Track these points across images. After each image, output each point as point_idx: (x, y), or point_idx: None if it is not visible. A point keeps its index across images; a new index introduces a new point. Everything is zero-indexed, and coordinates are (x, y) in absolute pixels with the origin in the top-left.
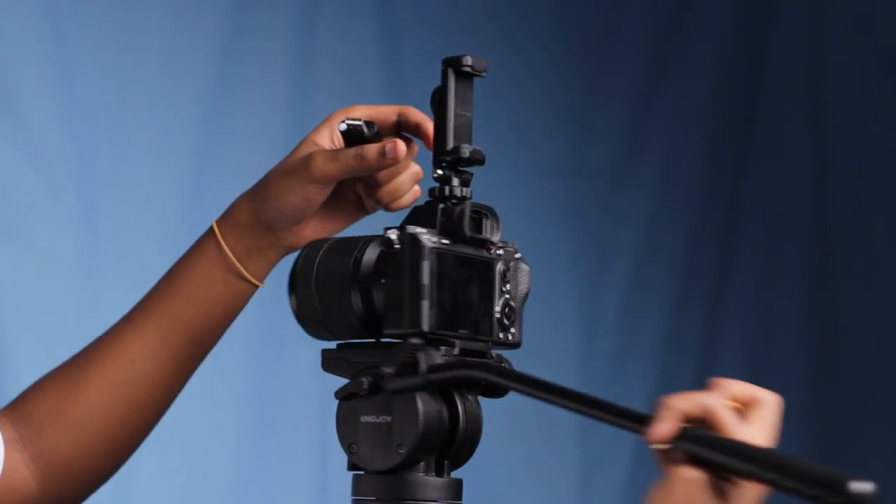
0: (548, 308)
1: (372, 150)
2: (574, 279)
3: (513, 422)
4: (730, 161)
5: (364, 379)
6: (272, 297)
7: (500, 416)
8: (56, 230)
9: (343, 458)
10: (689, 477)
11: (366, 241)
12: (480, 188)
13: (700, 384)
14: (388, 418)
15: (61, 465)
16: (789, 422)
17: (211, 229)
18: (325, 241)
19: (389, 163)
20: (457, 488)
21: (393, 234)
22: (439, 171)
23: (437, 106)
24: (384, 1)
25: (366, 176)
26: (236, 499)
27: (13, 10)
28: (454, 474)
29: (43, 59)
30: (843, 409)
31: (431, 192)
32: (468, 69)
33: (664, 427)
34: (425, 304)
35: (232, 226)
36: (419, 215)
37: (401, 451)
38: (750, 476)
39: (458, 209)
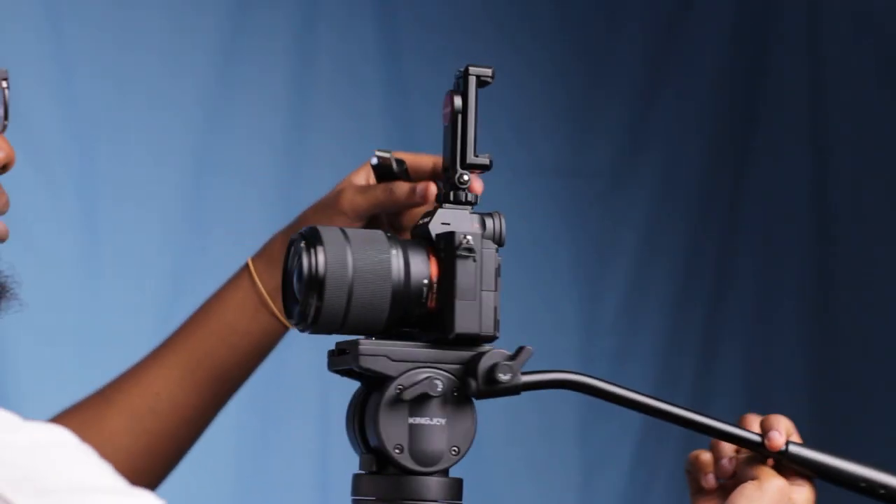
0: (548, 308)
1: (402, 186)
2: (574, 279)
3: (513, 422)
4: (730, 161)
5: (438, 381)
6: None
7: (500, 416)
8: (56, 230)
9: (344, 459)
10: (780, 482)
11: (396, 238)
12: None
13: (700, 384)
14: (443, 421)
15: None
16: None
17: (245, 264)
18: (338, 235)
19: (418, 201)
20: (457, 488)
21: (471, 240)
22: (466, 177)
23: (460, 114)
24: (384, 1)
25: (393, 213)
26: (236, 499)
27: (13, 10)
28: (454, 474)
29: (43, 59)
30: (842, 410)
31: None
32: (488, 80)
33: (779, 438)
34: (498, 311)
35: (266, 260)
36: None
37: (454, 454)
38: (844, 483)
39: (499, 218)
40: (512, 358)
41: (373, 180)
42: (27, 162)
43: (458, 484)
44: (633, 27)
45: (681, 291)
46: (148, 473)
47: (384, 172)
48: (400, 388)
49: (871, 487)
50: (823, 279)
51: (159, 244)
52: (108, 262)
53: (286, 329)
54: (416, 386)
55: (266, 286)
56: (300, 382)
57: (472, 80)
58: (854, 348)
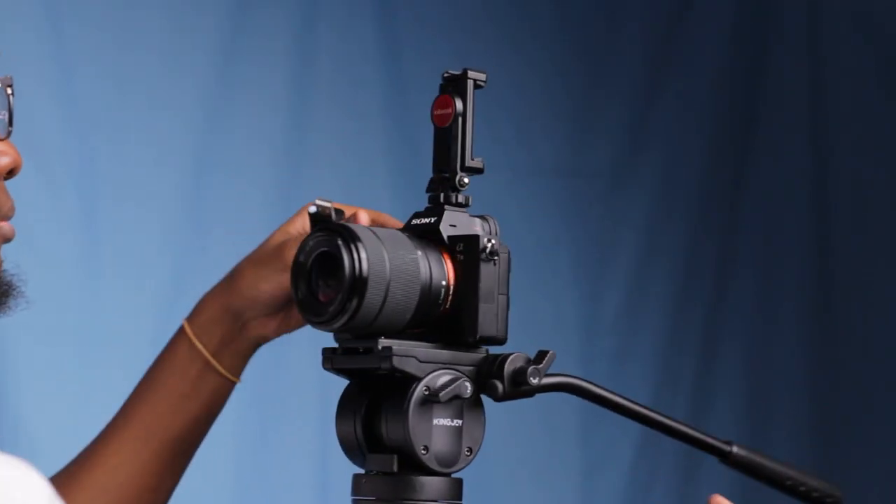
0: (548, 308)
1: None
2: (574, 279)
3: (513, 422)
4: (730, 161)
5: (468, 384)
6: None
7: (500, 416)
8: (56, 230)
9: (343, 459)
10: None
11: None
12: (481, 188)
13: (700, 384)
14: (460, 422)
15: None
16: (790, 421)
17: (181, 328)
18: (370, 234)
19: None
20: (457, 488)
21: (495, 243)
22: (466, 180)
23: (460, 117)
24: (384, 1)
25: None
26: (236, 499)
27: (13, 10)
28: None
29: (43, 59)
30: (842, 410)
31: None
32: (482, 84)
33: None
34: (508, 315)
35: (202, 322)
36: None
37: (468, 455)
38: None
39: (493, 221)
40: (538, 361)
41: (308, 229)
42: (27, 162)
43: (458, 484)
44: (634, 27)
45: (681, 291)
46: None
47: (321, 221)
48: (427, 390)
49: (794, 486)
50: (823, 279)
51: (159, 244)
52: (108, 262)
53: (235, 384)
54: (450, 388)
55: (208, 347)
56: (300, 382)
57: (471, 84)
58: (854, 348)
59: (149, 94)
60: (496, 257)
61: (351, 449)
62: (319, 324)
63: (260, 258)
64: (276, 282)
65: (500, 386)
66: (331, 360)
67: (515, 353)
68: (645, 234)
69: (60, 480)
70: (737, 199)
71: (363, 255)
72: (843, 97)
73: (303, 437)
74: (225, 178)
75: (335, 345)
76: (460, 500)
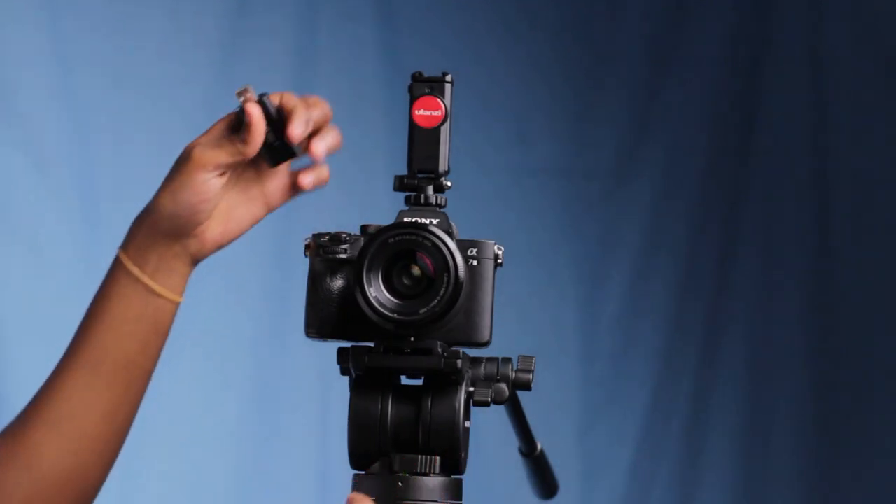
0: (548, 308)
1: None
2: (574, 279)
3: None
4: (730, 161)
5: (504, 387)
6: (274, 295)
7: (500, 416)
8: (56, 230)
9: (343, 459)
10: None
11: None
12: (481, 188)
13: (700, 383)
14: (468, 424)
15: None
16: (791, 421)
17: (116, 258)
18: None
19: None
20: (457, 488)
21: (500, 250)
22: (449, 183)
23: (448, 119)
24: (384, 1)
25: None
26: (236, 499)
27: (13, 10)
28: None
29: (43, 58)
30: (843, 405)
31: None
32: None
33: None
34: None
35: (134, 248)
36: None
37: (465, 456)
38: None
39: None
40: (529, 365)
41: (215, 131)
42: (27, 161)
43: (458, 484)
44: (634, 27)
45: (681, 291)
46: (81, 478)
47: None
48: (468, 393)
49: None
50: (824, 278)
51: None
52: (108, 262)
53: (178, 303)
54: (491, 391)
55: (145, 271)
56: (300, 382)
57: (449, 87)
58: (855, 347)
59: (149, 93)
60: (501, 265)
61: (369, 451)
62: (399, 321)
63: (170, 175)
64: (191, 189)
65: (506, 388)
66: (367, 359)
67: (504, 356)
68: (645, 234)
69: (20, 417)
70: (737, 200)
71: (459, 257)
72: (844, 97)
73: (303, 437)
74: None
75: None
76: (460, 500)
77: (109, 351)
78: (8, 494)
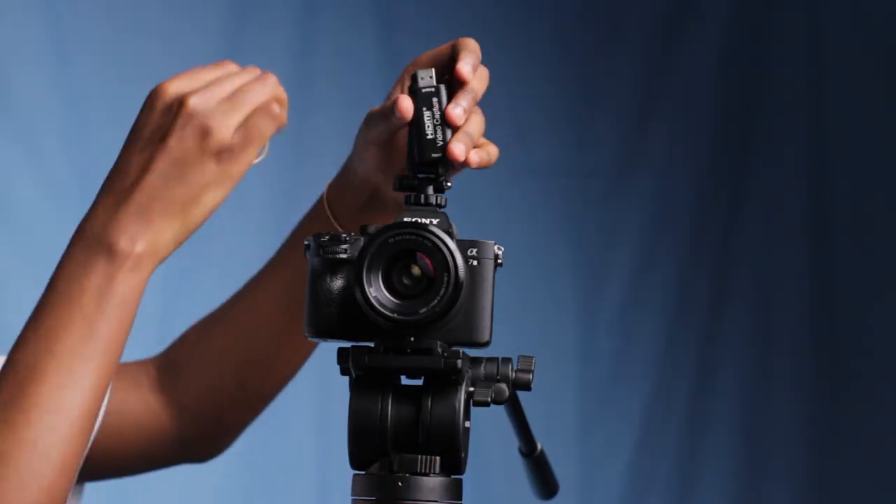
0: (548, 308)
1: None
2: (574, 279)
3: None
4: (729, 162)
5: (504, 387)
6: None
7: (499, 416)
8: (56, 230)
9: (344, 459)
10: None
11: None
12: (481, 188)
13: (700, 384)
14: (468, 423)
15: (192, 407)
16: (791, 421)
17: (320, 198)
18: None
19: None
20: (457, 488)
21: (500, 250)
22: (449, 184)
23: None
24: (384, 1)
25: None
26: (236, 499)
27: (12, 5)
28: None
29: (43, 57)
30: (843, 410)
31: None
32: None
33: None
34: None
35: (336, 189)
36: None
37: (464, 457)
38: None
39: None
40: (529, 365)
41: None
42: (27, 161)
43: (458, 484)
44: (633, 28)
45: (681, 292)
46: (252, 389)
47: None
48: (468, 393)
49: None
50: (823, 282)
51: None
52: None
53: None
54: (491, 391)
55: (341, 214)
56: (300, 382)
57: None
58: (856, 347)
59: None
60: (500, 263)
61: (368, 451)
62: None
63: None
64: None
65: (506, 389)
66: (364, 358)
67: (504, 356)
68: (645, 235)
69: (207, 319)
70: (736, 199)
71: (459, 257)
72: (844, 97)
73: (303, 437)
74: None
75: (346, 345)
76: (460, 500)
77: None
78: (186, 388)
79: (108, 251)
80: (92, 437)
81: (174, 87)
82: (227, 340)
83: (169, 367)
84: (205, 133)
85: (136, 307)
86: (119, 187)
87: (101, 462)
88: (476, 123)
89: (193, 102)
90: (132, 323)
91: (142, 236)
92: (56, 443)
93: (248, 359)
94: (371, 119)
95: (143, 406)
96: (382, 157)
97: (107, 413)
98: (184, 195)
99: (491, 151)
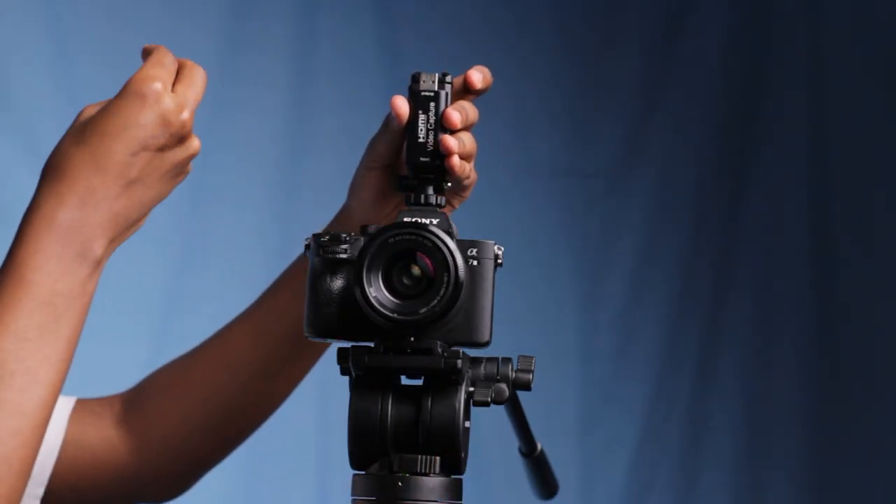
0: (548, 308)
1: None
2: (574, 279)
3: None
4: (729, 161)
5: (504, 387)
6: None
7: (499, 415)
8: None
9: (343, 459)
10: None
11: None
12: (481, 188)
13: (700, 383)
14: (468, 423)
15: (156, 442)
16: (791, 421)
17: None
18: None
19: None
20: (457, 488)
21: (500, 250)
22: (449, 184)
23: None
24: (384, 1)
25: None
26: (236, 499)
27: (12, 6)
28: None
29: (43, 56)
30: (843, 411)
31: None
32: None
33: None
34: None
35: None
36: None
37: (464, 457)
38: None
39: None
40: (529, 365)
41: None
42: (27, 161)
43: (458, 484)
44: (633, 28)
45: (681, 291)
46: (221, 430)
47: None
48: (468, 393)
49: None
50: (824, 279)
51: (160, 234)
52: (108, 262)
53: None
54: (491, 391)
55: None
56: (300, 383)
57: (449, 87)
58: (856, 347)
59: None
60: (500, 263)
61: (368, 451)
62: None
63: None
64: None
65: (506, 389)
66: (364, 358)
67: (504, 356)
68: (645, 234)
69: (182, 357)
70: (736, 199)
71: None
72: (844, 98)
73: (303, 437)
74: (225, 176)
75: (346, 345)
76: (460, 500)
77: (286, 315)
78: (154, 422)
79: (85, 255)
80: (51, 466)
81: (172, 98)
82: (199, 375)
83: (136, 401)
84: (191, 152)
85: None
86: (107, 185)
87: (62, 496)
88: (469, 138)
89: (188, 119)
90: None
91: (111, 243)
92: (17, 448)
93: (219, 395)
94: (373, 141)
95: (103, 439)
96: (382, 185)
97: (64, 443)
98: (148, 208)
99: (472, 174)
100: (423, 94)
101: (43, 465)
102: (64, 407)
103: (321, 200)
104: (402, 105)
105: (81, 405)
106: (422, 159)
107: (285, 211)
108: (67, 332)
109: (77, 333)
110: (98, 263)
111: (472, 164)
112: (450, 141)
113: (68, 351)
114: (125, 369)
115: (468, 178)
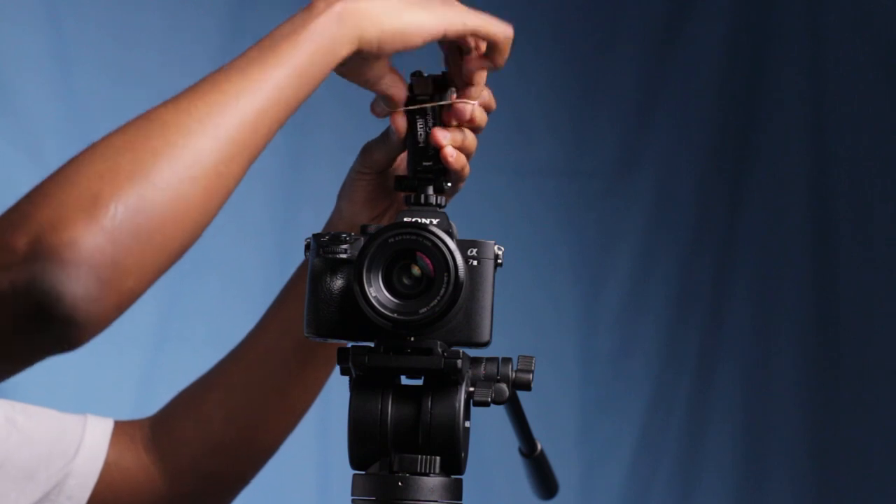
0: (548, 308)
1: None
2: (574, 279)
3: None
4: (729, 161)
5: (504, 387)
6: (274, 296)
7: (499, 415)
8: None
9: (343, 459)
10: None
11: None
12: (481, 188)
13: (700, 383)
14: (468, 423)
15: (186, 465)
16: (791, 422)
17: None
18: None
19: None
20: (457, 488)
21: (500, 250)
22: (449, 184)
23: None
24: None
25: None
26: (236, 499)
27: (13, 9)
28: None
29: (43, 57)
30: (843, 410)
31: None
32: None
33: None
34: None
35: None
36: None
37: (465, 456)
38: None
39: None
40: (529, 365)
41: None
42: (27, 161)
43: (458, 484)
44: (634, 28)
45: (681, 291)
46: (246, 447)
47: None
48: (468, 393)
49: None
50: (823, 281)
51: None
52: None
53: None
54: (491, 391)
55: None
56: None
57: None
58: (855, 347)
59: (149, 92)
60: (500, 263)
61: (369, 451)
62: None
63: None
64: (362, 187)
65: (506, 389)
66: (364, 358)
67: (503, 356)
68: (645, 235)
69: (203, 376)
70: (737, 199)
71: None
72: (843, 96)
73: (303, 437)
74: None
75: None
76: (460, 500)
77: (297, 325)
78: (181, 445)
79: (308, 8)
80: (91, 487)
81: None
82: (218, 395)
83: (163, 425)
84: None
85: (322, 75)
86: None
87: None
88: (471, 137)
89: None
90: (313, 88)
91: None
92: (229, 128)
93: (239, 418)
94: (368, 147)
95: (137, 463)
96: (373, 189)
97: (105, 464)
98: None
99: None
100: (418, 98)
101: (83, 487)
102: (104, 429)
103: (319, 209)
104: (401, 122)
105: (119, 427)
106: (424, 163)
107: (283, 212)
108: (293, 64)
109: (301, 73)
110: (323, 10)
111: (469, 158)
112: (439, 133)
113: (291, 85)
114: (124, 377)
115: (464, 170)
